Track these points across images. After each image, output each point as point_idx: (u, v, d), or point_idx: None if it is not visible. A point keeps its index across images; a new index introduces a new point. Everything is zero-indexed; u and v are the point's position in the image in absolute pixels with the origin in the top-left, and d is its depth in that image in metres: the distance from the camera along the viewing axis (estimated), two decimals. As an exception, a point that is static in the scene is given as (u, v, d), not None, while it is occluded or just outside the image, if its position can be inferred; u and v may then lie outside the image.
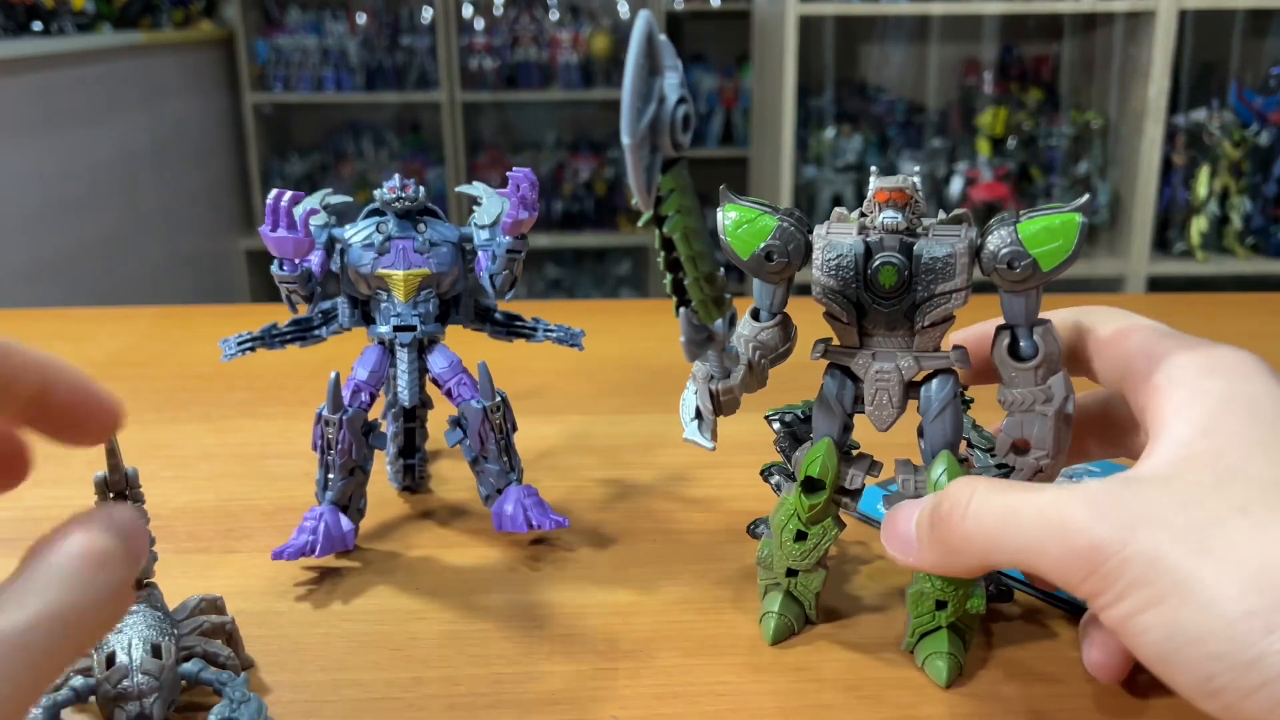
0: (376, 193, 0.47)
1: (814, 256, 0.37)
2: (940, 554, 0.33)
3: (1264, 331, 0.81)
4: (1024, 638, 0.41)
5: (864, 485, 0.40)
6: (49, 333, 0.83)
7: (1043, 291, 0.36)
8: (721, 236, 0.38)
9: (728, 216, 0.37)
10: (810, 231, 0.37)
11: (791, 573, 0.41)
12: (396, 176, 0.47)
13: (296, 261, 0.45)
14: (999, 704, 0.37)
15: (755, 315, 0.39)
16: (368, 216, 0.48)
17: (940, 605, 0.38)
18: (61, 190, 2.03)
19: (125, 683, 0.32)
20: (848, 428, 0.39)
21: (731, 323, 0.35)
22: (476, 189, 0.49)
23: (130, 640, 0.33)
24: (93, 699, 0.33)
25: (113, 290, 2.17)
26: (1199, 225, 2.19)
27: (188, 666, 0.35)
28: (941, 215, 0.37)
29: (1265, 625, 0.25)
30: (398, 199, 0.46)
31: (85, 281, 2.09)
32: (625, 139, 0.28)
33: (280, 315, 0.49)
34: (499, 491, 0.48)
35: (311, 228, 0.45)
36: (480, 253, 0.47)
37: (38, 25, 2.18)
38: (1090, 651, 0.36)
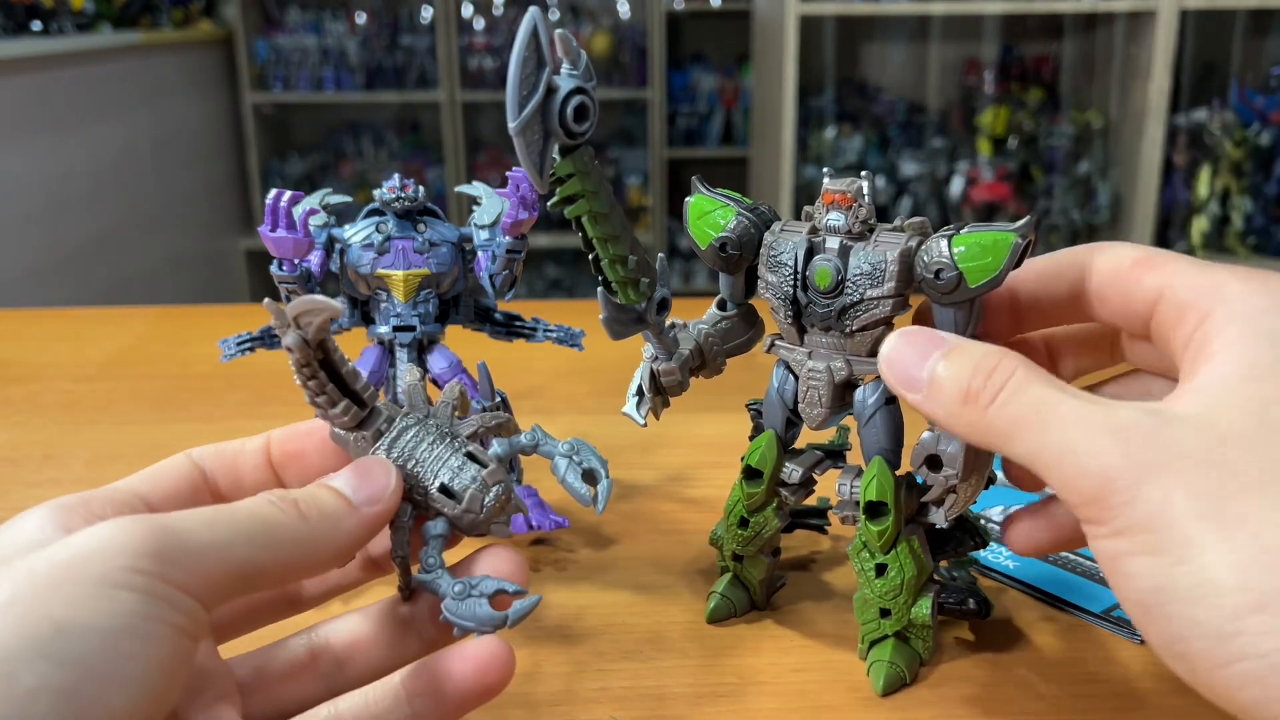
0: (376, 193, 0.47)
1: (761, 252, 0.38)
2: (949, 417, 0.31)
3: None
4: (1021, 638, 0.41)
5: (805, 480, 0.40)
6: (49, 333, 0.83)
7: (978, 311, 0.35)
8: (686, 226, 0.39)
9: (692, 207, 0.39)
10: (768, 227, 0.38)
11: (738, 558, 0.42)
12: (396, 176, 0.47)
13: (296, 261, 0.45)
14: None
15: (721, 305, 0.40)
16: (367, 216, 0.47)
17: (884, 614, 0.38)
18: (61, 190, 2.03)
19: (488, 500, 0.30)
20: (792, 422, 0.40)
21: (661, 307, 0.37)
22: (476, 189, 0.49)
23: (450, 464, 0.31)
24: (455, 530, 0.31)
25: (112, 290, 2.17)
26: (1200, 225, 2.19)
27: (497, 450, 0.33)
28: (898, 221, 0.37)
29: (1255, 604, 0.24)
30: (397, 199, 0.46)
31: (85, 281, 2.09)
32: (510, 125, 0.30)
33: (280, 315, 0.49)
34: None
35: (311, 228, 0.45)
36: (480, 253, 0.47)
37: (37, 25, 2.17)
38: (1015, 531, 0.36)
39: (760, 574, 0.42)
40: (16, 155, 1.89)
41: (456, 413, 0.32)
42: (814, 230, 0.37)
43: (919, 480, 0.38)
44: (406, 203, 0.46)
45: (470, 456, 0.31)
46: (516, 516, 0.47)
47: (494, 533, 0.31)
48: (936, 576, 0.40)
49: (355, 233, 0.47)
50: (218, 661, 0.29)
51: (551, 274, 3.06)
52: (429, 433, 0.31)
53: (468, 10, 2.86)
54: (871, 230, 0.37)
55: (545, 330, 0.51)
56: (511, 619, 0.29)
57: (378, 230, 0.46)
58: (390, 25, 2.87)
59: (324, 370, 0.29)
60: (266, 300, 0.29)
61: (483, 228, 0.47)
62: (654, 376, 0.39)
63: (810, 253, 0.37)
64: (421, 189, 0.47)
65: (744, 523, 0.41)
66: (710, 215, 0.38)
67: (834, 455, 0.42)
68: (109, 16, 2.37)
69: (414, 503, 0.31)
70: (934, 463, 0.36)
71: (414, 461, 0.30)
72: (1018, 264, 0.34)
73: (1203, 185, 2.18)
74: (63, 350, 0.78)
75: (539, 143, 0.30)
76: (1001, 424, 0.29)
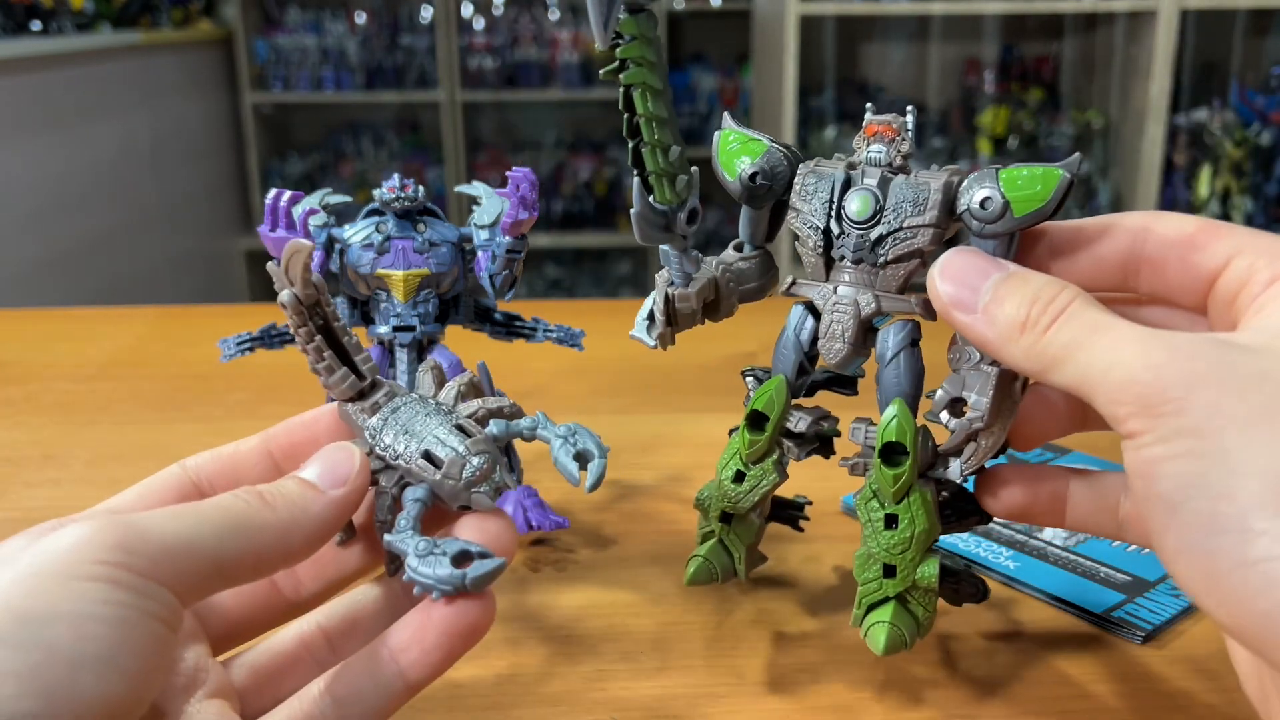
0: (376, 192, 0.47)
1: (795, 184, 0.37)
2: (1002, 342, 0.30)
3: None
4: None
5: (809, 432, 0.38)
6: (49, 333, 0.83)
7: (1014, 250, 0.34)
8: (714, 159, 0.38)
9: (721, 138, 0.38)
10: (800, 163, 0.37)
11: (725, 519, 0.39)
12: (396, 176, 0.47)
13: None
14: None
15: (738, 247, 0.39)
16: (367, 216, 0.47)
17: (889, 571, 0.36)
18: (61, 190, 2.03)
19: (467, 470, 0.30)
20: (804, 369, 0.38)
21: (691, 218, 0.36)
22: (476, 189, 0.49)
23: (436, 434, 0.31)
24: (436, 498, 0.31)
25: (112, 290, 2.17)
26: (1199, 225, 2.19)
27: (493, 430, 0.32)
28: (932, 166, 0.37)
29: (1276, 507, 0.24)
30: (397, 199, 0.46)
31: (84, 281, 2.09)
32: None
33: (279, 315, 0.49)
34: (499, 492, 0.48)
35: (310, 228, 0.45)
36: (480, 253, 0.47)
37: (37, 25, 2.17)
38: (996, 492, 0.36)
39: (749, 538, 0.40)
40: (16, 155, 1.89)
41: (464, 397, 0.33)
42: (851, 165, 0.36)
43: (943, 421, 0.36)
44: (406, 203, 0.46)
45: (459, 429, 0.31)
46: (517, 516, 0.47)
47: (474, 503, 0.31)
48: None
49: (355, 233, 0.47)
50: (210, 661, 0.29)
51: (551, 274, 3.06)
52: (426, 408, 0.31)
53: (468, 10, 2.86)
54: (908, 167, 0.36)
55: (545, 330, 0.51)
56: (470, 578, 0.28)
57: (377, 230, 0.46)
58: (390, 25, 2.87)
59: (323, 337, 0.30)
60: (270, 264, 0.29)
61: (483, 228, 0.47)
62: (668, 301, 0.38)
63: (847, 184, 0.36)
64: (421, 189, 0.47)
65: (739, 476, 0.38)
66: (740, 147, 0.37)
67: (845, 383, 0.40)
68: (109, 16, 2.37)
69: (399, 472, 0.31)
70: (958, 407, 0.34)
71: (407, 433, 0.31)
72: (1063, 201, 0.33)
73: (1203, 185, 2.18)
74: (62, 350, 0.78)
75: None
76: (1055, 349, 0.29)
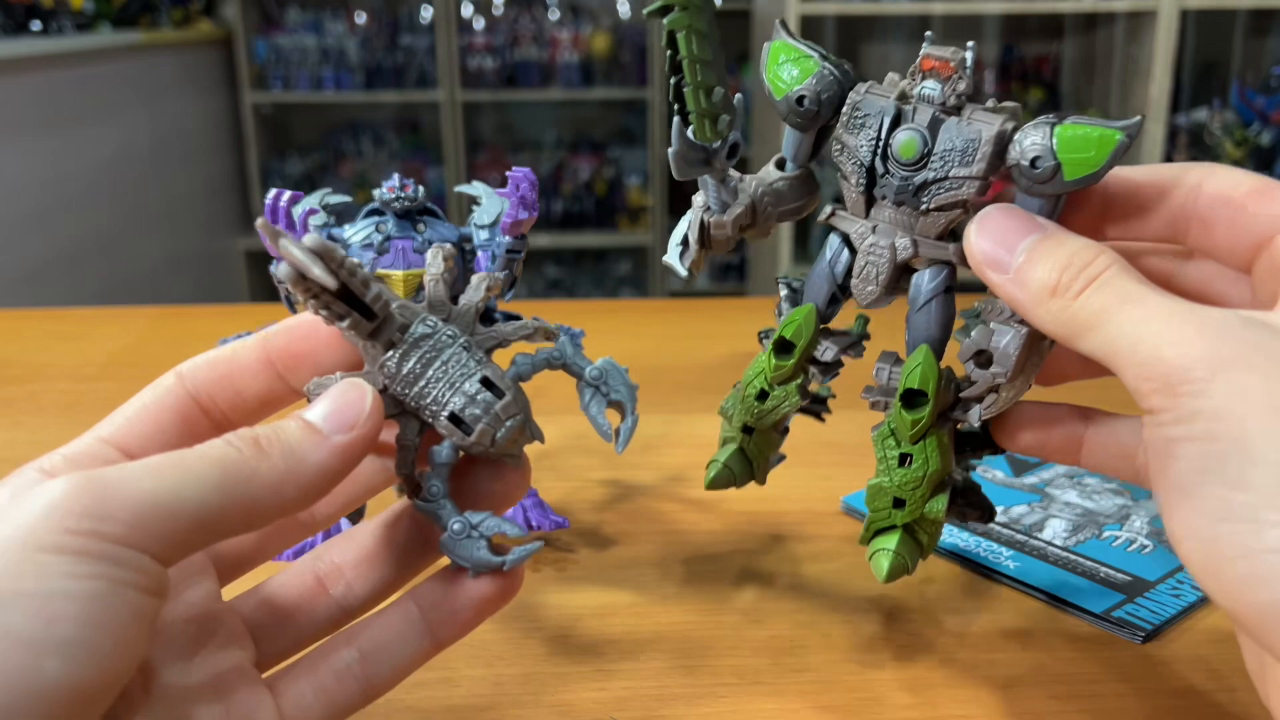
0: (376, 192, 0.47)
1: (843, 112, 0.35)
2: (1033, 304, 0.30)
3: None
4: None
5: (837, 360, 0.38)
6: (49, 333, 0.83)
7: (1061, 207, 0.33)
8: (761, 72, 0.36)
9: (771, 51, 0.36)
10: (852, 87, 0.35)
11: (748, 430, 0.40)
12: (396, 176, 0.47)
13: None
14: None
15: (780, 165, 0.38)
16: (367, 216, 0.47)
17: (898, 504, 0.36)
18: (60, 190, 2.03)
19: (500, 435, 0.29)
20: (835, 299, 0.38)
21: (732, 152, 0.35)
22: (476, 189, 0.49)
23: (464, 389, 0.29)
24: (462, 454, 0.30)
25: (112, 290, 2.17)
26: (1199, 225, 2.19)
27: (517, 369, 0.30)
28: (991, 102, 0.34)
29: None
30: (397, 199, 0.46)
31: (84, 281, 2.09)
32: None
33: (279, 315, 0.49)
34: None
35: (310, 227, 0.45)
36: (480, 253, 0.47)
37: (37, 25, 2.17)
38: (1012, 432, 0.35)
39: (769, 449, 0.41)
40: (16, 155, 1.89)
41: (486, 299, 0.30)
42: (903, 97, 0.34)
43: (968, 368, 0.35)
44: (406, 202, 0.46)
45: (486, 383, 0.29)
46: (517, 516, 0.47)
47: (506, 463, 0.30)
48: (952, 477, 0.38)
49: (355, 233, 0.47)
50: (220, 605, 0.29)
51: (551, 274, 3.06)
52: (445, 345, 0.29)
53: (468, 10, 2.86)
54: (962, 107, 0.34)
55: (545, 330, 0.50)
56: (508, 566, 0.29)
57: (377, 230, 0.46)
58: (390, 25, 2.87)
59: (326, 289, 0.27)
60: (262, 222, 0.27)
61: (483, 228, 0.47)
62: (703, 228, 0.37)
63: (897, 120, 0.34)
64: (421, 189, 0.47)
65: (763, 395, 0.39)
66: (790, 64, 0.36)
67: (858, 342, 0.40)
68: (108, 16, 2.37)
69: (421, 422, 0.29)
70: (984, 359, 0.34)
71: (425, 380, 0.28)
72: (1114, 165, 0.32)
73: (1203, 185, 2.18)
74: (62, 350, 0.78)
75: None
76: (1085, 315, 0.28)
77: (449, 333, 0.29)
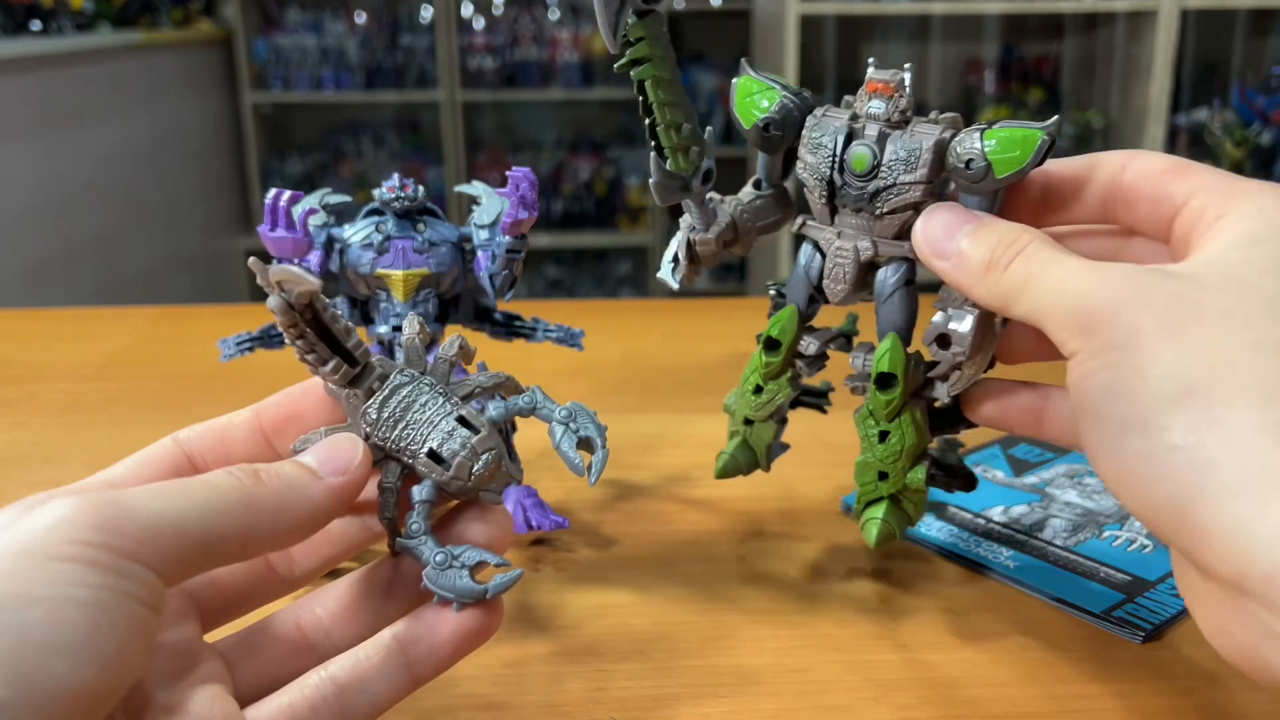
0: (376, 192, 0.47)
1: (802, 134, 0.40)
2: (972, 282, 0.34)
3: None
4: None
5: (821, 353, 0.43)
6: (49, 333, 0.83)
7: (999, 200, 0.37)
8: (731, 106, 0.41)
9: (739, 87, 0.41)
10: (810, 112, 0.40)
11: (748, 422, 0.44)
12: (396, 176, 0.47)
13: (295, 261, 0.45)
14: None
15: (756, 185, 0.43)
16: (367, 216, 0.47)
17: (882, 476, 0.41)
18: (60, 190, 2.03)
19: (476, 469, 0.30)
20: (814, 299, 0.42)
21: (706, 178, 0.40)
22: (476, 188, 0.49)
23: (440, 428, 0.30)
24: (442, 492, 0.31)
25: (111, 290, 2.17)
26: (1200, 225, 2.19)
27: (492, 413, 0.32)
28: (934, 114, 0.39)
29: (1181, 403, 0.27)
30: (397, 198, 0.46)
31: (84, 281, 2.09)
32: None
33: (279, 315, 0.49)
34: (506, 485, 0.48)
35: (310, 227, 0.45)
36: (480, 252, 0.47)
37: (36, 25, 2.17)
38: (976, 405, 0.39)
39: (768, 438, 0.45)
40: (16, 155, 1.89)
41: (455, 367, 0.32)
42: (854, 117, 0.39)
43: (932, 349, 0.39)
44: (406, 202, 0.46)
45: (462, 421, 0.30)
46: (516, 516, 0.47)
47: (483, 499, 0.31)
48: (931, 449, 0.42)
49: (355, 233, 0.47)
50: (202, 645, 0.29)
51: (551, 274, 3.06)
52: (422, 392, 0.31)
53: (468, 10, 2.86)
54: (908, 121, 0.38)
55: (545, 330, 0.50)
56: (491, 593, 0.30)
57: (377, 230, 0.46)
58: (390, 25, 2.87)
59: (313, 329, 0.29)
60: (252, 260, 0.28)
61: (482, 227, 0.47)
62: (690, 245, 0.42)
63: (849, 137, 0.39)
64: (421, 189, 0.47)
65: (758, 389, 0.43)
66: (756, 96, 0.40)
67: (845, 336, 0.44)
68: (108, 16, 2.36)
69: (402, 465, 0.30)
70: (943, 341, 0.38)
71: (404, 423, 0.30)
72: (1041, 161, 0.36)
73: (1203, 185, 2.18)
74: (62, 350, 0.78)
75: (616, 3, 0.33)
76: (1013, 284, 0.32)
77: (426, 381, 0.31)
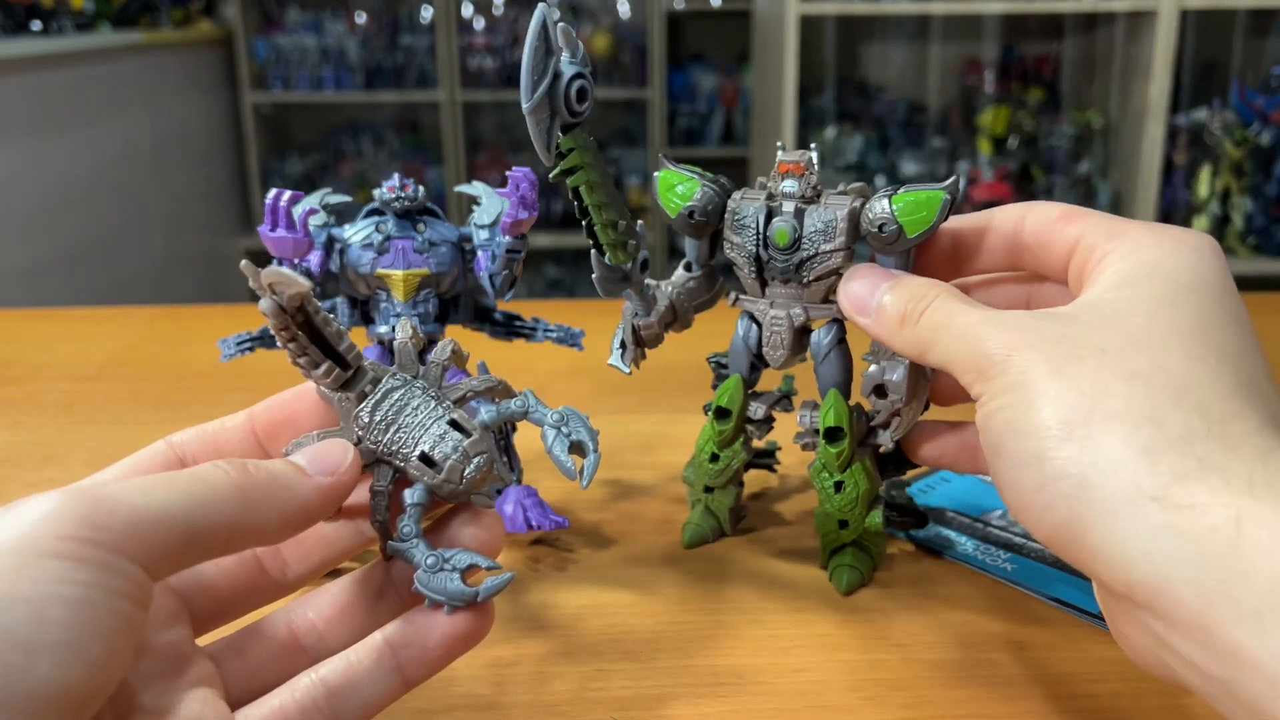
0: (376, 192, 0.47)
1: (726, 217, 0.43)
2: (891, 335, 0.37)
3: (1265, 331, 0.80)
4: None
5: (768, 416, 0.46)
6: (48, 333, 0.83)
7: (913, 257, 0.40)
8: (655, 198, 0.44)
9: (661, 180, 0.44)
10: (729, 196, 0.43)
11: (709, 490, 0.47)
12: (396, 176, 0.47)
13: (295, 261, 0.45)
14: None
15: (687, 267, 0.45)
16: (367, 216, 0.47)
17: (843, 524, 0.44)
18: (60, 190, 2.03)
19: (468, 472, 0.30)
20: (755, 366, 0.45)
21: (643, 267, 0.43)
22: (476, 189, 0.49)
23: (432, 432, 0.30)
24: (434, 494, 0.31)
25: (112, 290, 2.17)
26: (1200, 225, 2.19)
27: (484, 417, 0.32)
28: (841, 186, 0.42)
29: (1066, 436, 0.29)
30: (397, 198, 0.46)
31: (84, 281, 2.09)
32: (524, 105, 0.35)
33: (279, 315, 0.49)
34: (498, 492, 0.48)
35: (310, 227, 0.45)
36: (480, 252, 0.47)
37: (37, 25, 2.17)
38: (916, 447, 0.42)
39: (729, 502, 0.47)
40: (17, 155, 1.89)
41: (448, 370, 0.32)
42: (771, 196, 0.42)
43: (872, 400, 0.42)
44: (406, 202, 0.46)
45: (454, 424, 0.30)
46: (516, 516, 0.47)
47: (475, 503, 0.31)
48: (881, 494, 0.45)
49: (355, 232, 0.47)
50: (193, 648, 0.29)
51: (551, 274, 3.06)
52: (414, 396, 0.31)
53: (468, 10, 2.86)
54: (820, 195, 0.42)
55: (545, 330, 0.51)
56: (482, 596, 0.30)
57: (377, 230, 0.46)
58: (390, 25, 2.87)
59: (305, 332, 0.29)
60: (244, 263, 0.28)
61: (482, 227, 0.47)
62: (635, 330, 0.45)
63: (769, 216, 0.42)
64: (421, 189, 0.47)
65: (715, 458, 0.46)
66: (678, 187, 0.43)
67: (786, 397, 0.48)
68: (108, 16, 2.36)
69: (394, 468, 0.30)
70: (880, 391, 0.41)
71: (396, 426, 0.30)
72: (945, 218, 0.39)
73: (1203, 185, 2.18)
74: (62, 350, 0.78)
75: (546, 121, 0.35)
76: (925, 335, 0.35)
77: (419, 385, 0.31)
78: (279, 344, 0.29)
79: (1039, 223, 0.37)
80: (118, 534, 0.23)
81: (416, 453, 0.30)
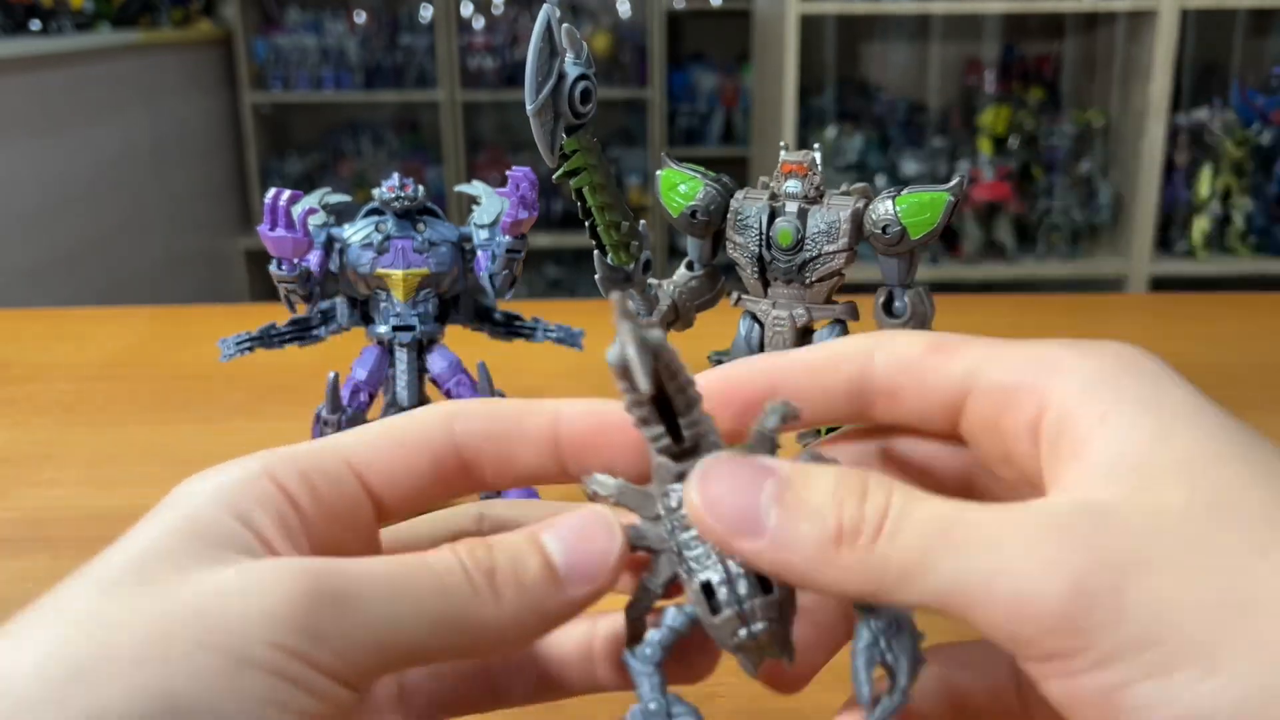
0: (375, 192, 0.47)
1: (728, 217, 0.43)
2: (818, 564, 0.22)
3: (1265, 331, 0.80)
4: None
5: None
6: (49, 333, 0.83)
7: (919, 258, 0.41)
8: (658, 197, 0.44)
9: (663, 179, 0.44)
10: (731, 196, 0.43)
11: None
12: (395, 176, 0.47)
13: (295, 261, 0.45)
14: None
15: (689, 266, 0.46)
16: (367, 216, 0.47)
17: None
18: (60, 190, 2.03)
19: (740, 636, 0.24)
20: None
21: (645, 268, 0.43)
22: (476, 188, 0.49)
23: (727, 567, 0.24)
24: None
25: (111, 290, 2.17)
26: (1201, 225, 2.19)
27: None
28: (844, 187, 0.42)
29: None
30: (397, 198, 0.46)
31: (84, 281, 2.09)
32: (528, 108, 0.35)
33: (279, 315, 0.49)
34: (498, 493, 0.48)
35: (310, 227, 0.45)
36: (480, 252, 0.47)
37: (36, 24, 2.17)
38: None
39: None
40: (16, 155, 1.89)
41: None
42: (774, 196, 0.42)
43: None
44: (406, 202, 0.46)
45: (760, 578, 0.24)
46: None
47: (739, 662, 0.26)
48: None
49: (354, 232, 0.46)
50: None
51: (551, 274, 3.06)
52: None
53: (468, 10, 2.86)
54: (822, 195, 0.42)
55: (545, 330, 0.50)
56: None
57: (377, 230, 0.46)
58: (390, 25, 2.87)
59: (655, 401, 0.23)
60: (616, 295, 0.22)
61: (482, 227, 0.47)
62: None
63: (772, 216, 0.42)
64: (421, 188, 0.47)
65: None
66: (680, 187, 0.43)
67: None
68: (108, 16, 2.36)
69: (674, 573, 0.25)
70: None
71: (688, 533, 0.24)
72: (949, 219, 0.39)
73: (1204, 185, 2.18)
74: (62, 350, 0.78)
75: (550, 123, 0.36)
76: (899, 560, 0.21)
77: None
78: (624, 405, 0.24)
79: (897, 362, 0.26)
80: (335, 652, 0.20)
81: (700, 579, 0.24)
